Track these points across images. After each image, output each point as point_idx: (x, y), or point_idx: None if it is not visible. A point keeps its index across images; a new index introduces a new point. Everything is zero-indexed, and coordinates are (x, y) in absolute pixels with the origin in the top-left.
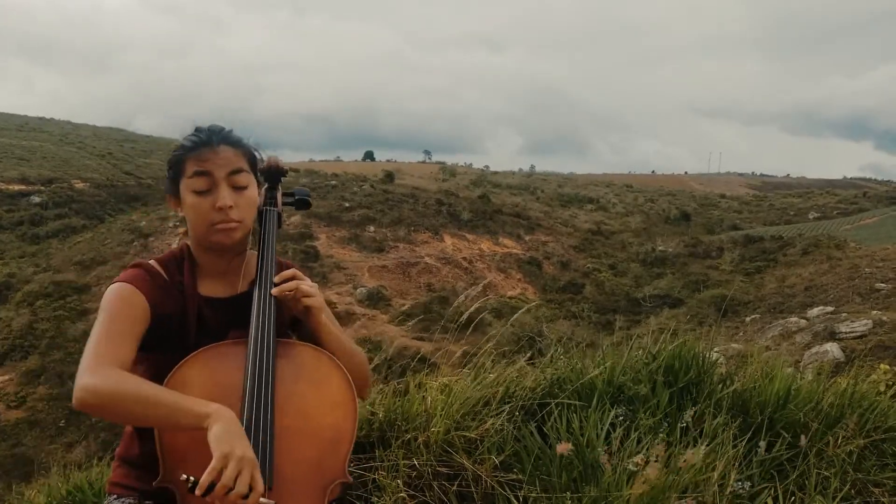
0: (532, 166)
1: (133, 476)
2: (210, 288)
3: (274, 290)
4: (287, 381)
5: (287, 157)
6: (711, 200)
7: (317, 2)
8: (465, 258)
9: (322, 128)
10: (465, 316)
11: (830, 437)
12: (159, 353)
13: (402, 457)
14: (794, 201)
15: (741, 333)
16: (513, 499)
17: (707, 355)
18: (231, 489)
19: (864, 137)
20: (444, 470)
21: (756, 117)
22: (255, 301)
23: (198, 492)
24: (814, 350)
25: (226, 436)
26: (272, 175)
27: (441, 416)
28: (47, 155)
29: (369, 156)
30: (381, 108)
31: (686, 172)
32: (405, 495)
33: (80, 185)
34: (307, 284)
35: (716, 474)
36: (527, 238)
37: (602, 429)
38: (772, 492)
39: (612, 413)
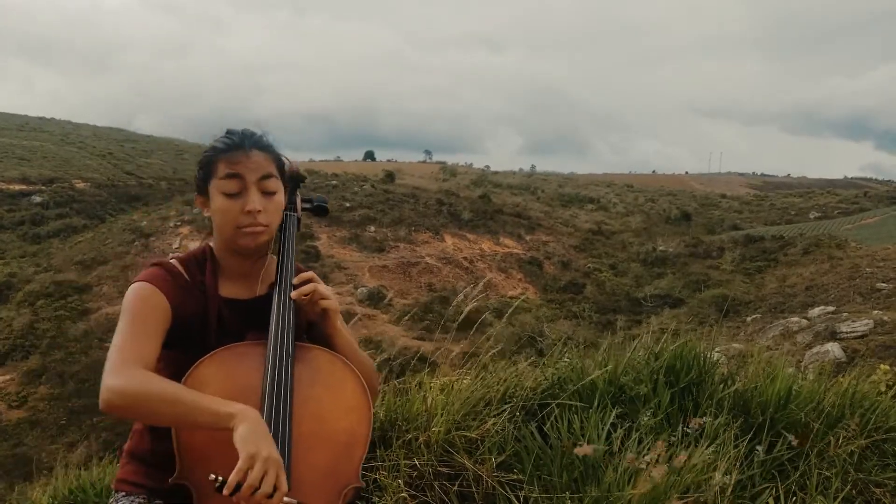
0: (532, 166)
1: (142, 473)
2: (230, 289)
3: (293, 293)
4: (303, 385)
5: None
6: (712, 200)
7: (317, 2)
8: (465, 258)
9: (322, 127)
10: (464, 314)
11: (832, 438)
12: (179, 351)
13: (403, 456)
14: (795, 201)
15: (742, 333)
16: (514, 499)
17: (708, 355)
18: (257, 489)
19: (864, 137)
20: (444, 470)
21: (756, 117)
22: (274, 304)
23: (225, 491)
24: (815, 350)
25: (252, 436)
26: (292, 181)
27: (442, 415)
28: (48, 155)
29: (370, 156)
30: (382, 108)
31: (686, 172)
32: (406, 495)
33: (80, 184)
34: (324, 287)
35: (717, 474)
36: (527, 238)
37: (603, 429)
38: (773, 492)
39: (613, 413)
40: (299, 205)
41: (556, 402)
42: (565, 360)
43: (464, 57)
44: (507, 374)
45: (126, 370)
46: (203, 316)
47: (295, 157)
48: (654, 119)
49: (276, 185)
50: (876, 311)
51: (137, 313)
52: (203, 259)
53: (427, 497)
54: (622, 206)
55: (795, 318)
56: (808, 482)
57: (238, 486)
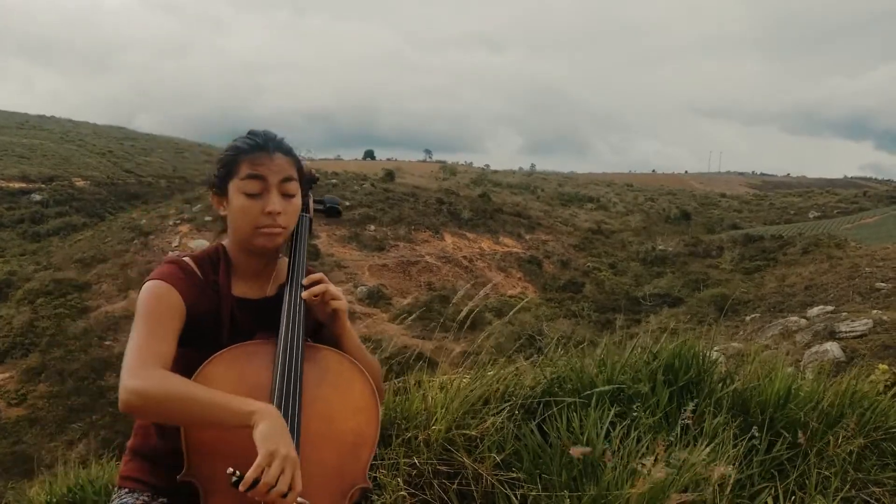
0: (532, 165)
1: (147, 471)
2: (242, 289)
3: (304, 293)
4: (312, 385)
5: None
6: (711, 200)
7: (317, 2)
8: (465, 257)
9: (322, 126)
10: (463, 313)
11: (831, 437)
12: (192, 349)
13: (403, 455)
14: (795, 200)
15: (741, 333)
16: (513, 497)
17: (707, 354)
18: (273, 487)
19: (864, 137)
20: (444, 468)
21: (756, 117)
22: (285, 304)
23: (242, 487)
24: (814, 349)
25: (272, 434)
26: (305, 182)
27: (442, 414)
28: (48, 153)
29: (370, 154)
30: (382, 107)
31: (686, 172)
32: (405, 494)
33: (80, 182)
34: (335, 288)
35: (716, 473)
36: (527, 237)
37: (602, 428)
38: (772, 491)
39: (613, 412)
40: (311, 206)
41: (556, 400)
42: (564, 358)
43: (464, 57)
44: (506, 372)
45: (145, 371)
46: (216, 315)
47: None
48: (654, 119)
49: (296, 188)
50: (875, 311)
51: (153, 312)
52: (216, 258)
53: (426, 495)
54: (622, 206)
55: (794, 318)
56: (807, 481)
57: (254, 483)
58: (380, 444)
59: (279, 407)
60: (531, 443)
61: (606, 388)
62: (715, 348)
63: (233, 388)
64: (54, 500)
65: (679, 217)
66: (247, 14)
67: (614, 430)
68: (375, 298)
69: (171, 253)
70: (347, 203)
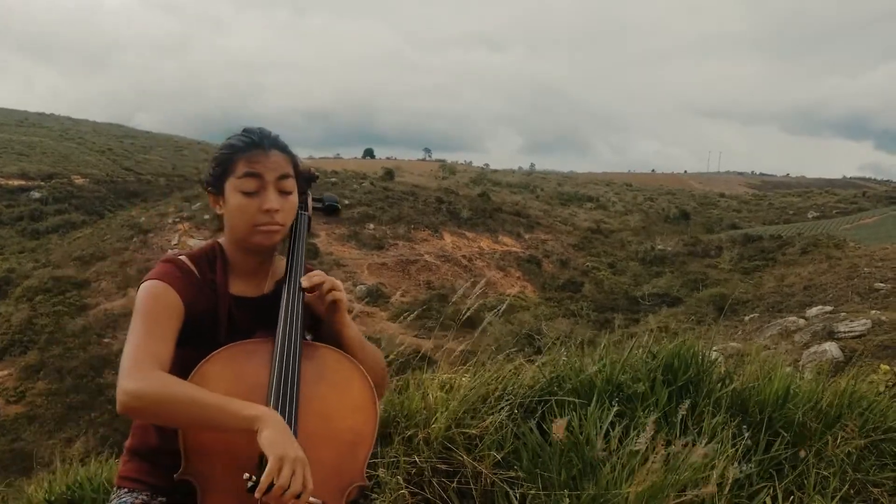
0: (532, 165)
1: (145, 471)
2: (239, 287)
3: (304, 279)
4: (310, 383)
5: None
6: (711, 199)
7: (317, 1)
8: (464, 256)
9: (322, 125)
10: (466, 313)
11: (829, 437)
12: (190, 349)
13: (403, 453)
14: (794, 200)
15: (740, 333)
16: (512, 496)
17: (706, 354)
18: (287, 489)
19: (863, 137)
20: (443, 467)
21: (756, 117)
22: (283, 301)
23: (258, 494)
24: (812, 349)
25: (279, 438)
26: (304, 180)
27: (442, 412)
28: (47, 150)
29: (369, 153)
30: (381, 106)
31: (686, 171)
32: (405, 492)
33: (79, 180)
34: (334, 280)
35: (714, 473)
36: (526, 236)
37: (601, 427)
38: (770, 491)
39: (613, 411)
40: (310, 204)
41: (555, 399)
42: (563, 357)
43: (464, 56)
44: (505, 371)
45: (142, 372)
46: (213, 314)
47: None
48: (654, 119)
49: (293, 185)
50: (874, 311)
51: (151, 312)
52: (213, 256)
53: (425, 494)
54: (621, 205)
55: (793, 318)
56: (805, 481)
57: (269, 488)
58: (380, 443)
59: (276, 405)
60: (531, 441)
61: (605, 387)
62: (714, 348)
63: (230, 386)
64: (53, 497)
65: (678, 217)
66: (247, 13)
67: (613, 429)
68: (374, 297)
69: (169, 251)
70: (347, 202)
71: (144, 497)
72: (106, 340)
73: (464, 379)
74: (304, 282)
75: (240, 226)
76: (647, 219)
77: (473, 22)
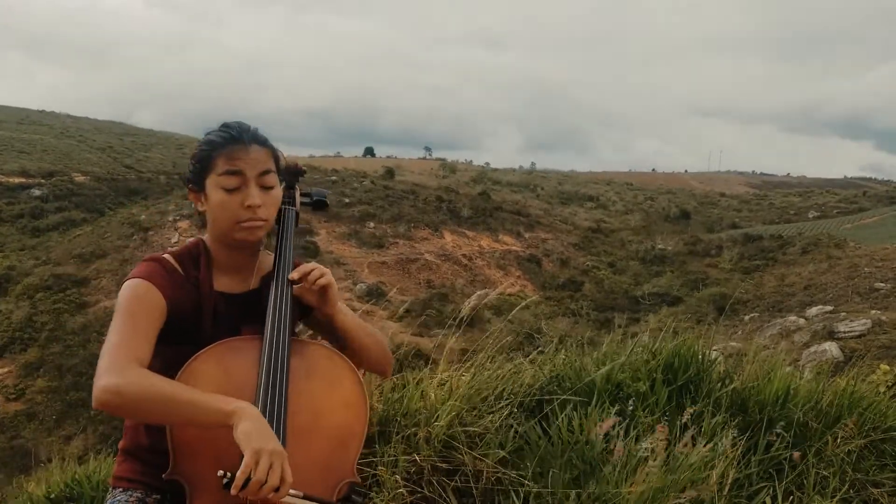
0: (532, 163)
1: (139, 470)
2: (224, 283)
3: (293, 274)
4: (299, 379)
5: (286, 153)
6: (711, 199)
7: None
8: (464, 255)
9: (322, 124)
10: (465, 312)
11: (829, 437)
12: (174, 346)
13: (402, 452)
14: (794, 200)
15: (740, 332)
16: (513, 495)
17: (706, 354)
18: (264, 483)
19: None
20: (443, 465)
21: (756, 116)
22: (271, 297)
23: (233, 490)
24: (812, 349)
25: (255, 432)
26: (291, 175)
27: (444, 410)
28: (48, 148)
29: (369, 152)
30: (382, 105)
31: (686, 171)
32: (404, 491)
33: (80, 178)
34: (321, 267)
35: (715, 473)
36: (527, 235)
37: (601, 426)
38: (770, 491)
39: (613, 411)
40: (298, 199)
41: (556, 398)
42: (563, 357)
43: (464, 55)
44: (505, 370)
45: (121, 369)
46: (198, 311)
47: (295, 152)
48: (655, 118)
49: (274, 179)
50: (874, 311)
51: (133, 311)
52: (197, 254)
53: (425, 492)
54: (621, 205)
55: (793, 318)
56: (805, 481)
57: (245, 483)
58: (379, 441)
59: (265, 401)
60: (533, 440)
61: (605, 386)
62: (714, 348)
63: (219, 384)
64: (52, 494)
65: (678, 216)
66: (247, 12)
67: (613, 429)
68: (374, 296)
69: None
70: (347, 200)
71: (139, 495)
72: (105, 338)
73: (464, 377)
74: (294, 274)
75: (222, 222)
76: (648, 218)
77: (474, 21)
